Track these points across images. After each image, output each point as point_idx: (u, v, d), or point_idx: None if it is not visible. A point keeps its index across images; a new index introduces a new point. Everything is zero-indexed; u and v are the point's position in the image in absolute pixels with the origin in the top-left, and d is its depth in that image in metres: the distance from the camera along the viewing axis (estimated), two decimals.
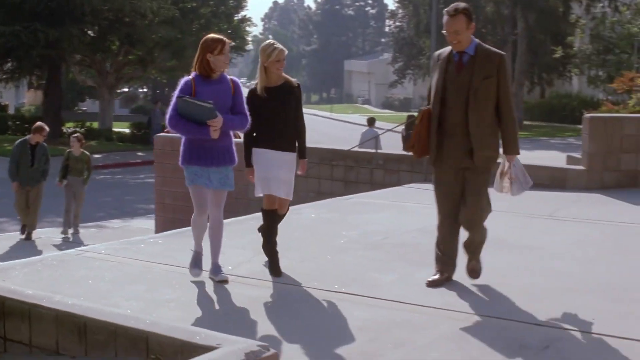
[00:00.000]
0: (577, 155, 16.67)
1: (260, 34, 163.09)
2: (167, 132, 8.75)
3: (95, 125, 46.04)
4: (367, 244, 9.73)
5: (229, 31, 46.39)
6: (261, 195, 8.40)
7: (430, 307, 7.07)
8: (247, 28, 51.51)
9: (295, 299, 7.47)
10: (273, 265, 8.28)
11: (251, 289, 7.78)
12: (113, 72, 46.07)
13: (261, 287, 7.82)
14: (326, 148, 18.10)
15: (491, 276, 7.92)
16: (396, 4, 78.44)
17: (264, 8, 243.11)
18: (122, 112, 66.86)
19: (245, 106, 7.94)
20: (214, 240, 8.09)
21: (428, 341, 6.23)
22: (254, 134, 8.27)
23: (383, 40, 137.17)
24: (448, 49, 7.62)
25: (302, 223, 10.98)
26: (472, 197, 7.57)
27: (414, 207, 12.31)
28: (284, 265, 8.30)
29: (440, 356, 5.91)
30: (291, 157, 8.33)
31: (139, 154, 39.99)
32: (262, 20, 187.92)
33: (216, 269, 8.04)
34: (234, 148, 7.99)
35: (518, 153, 7.62)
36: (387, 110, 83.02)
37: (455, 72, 7.48)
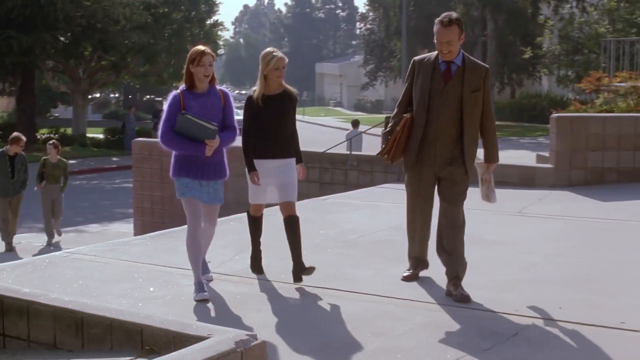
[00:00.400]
0: (546, 154, 17.11)
1: (231, 37, 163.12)
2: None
3: (69, 131, 46.15)
4: (344, 242, 10.11)
5: (201, 36, 46.73)
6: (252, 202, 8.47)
7: (406, 299, 7.46)
8: (220, 32, 51.73)
9: (277, 294, 7.83)
10: (256, 264, 8.60)
11: (235, 285, 8.15)
12: (86, 78, 46.20)
13: (244, 284, 8.19)
14: (302, 150, 18.44)
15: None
16: (366, 7, 78.79)
17: (234, 12, 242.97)
18: (94, 118, 66.93)
19: (235, 118, 7.89)
20: (203, 245, 8.07)
21: (405, 330, 6.61)
22: (251, 141, 8.22)
23: (354, 42, 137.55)
24: (431, 55, 7.62)
25: (281, 223, 11.31)
26: (453, 207, 7.62)
27: (388, 206, 12.70)
28: (264, 263, 8.65)
29: (417, 344, 6.29)
30: (289, 161, 8.27)
31: (114, 159, 40.22)
32: (233, 24, 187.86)
33: (204, 269, 8.18)
34: (226, 162, 7.98)
35: (498, 161, 7.74)
36: (359, 113, 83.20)
37: (443, 82, 7.46)
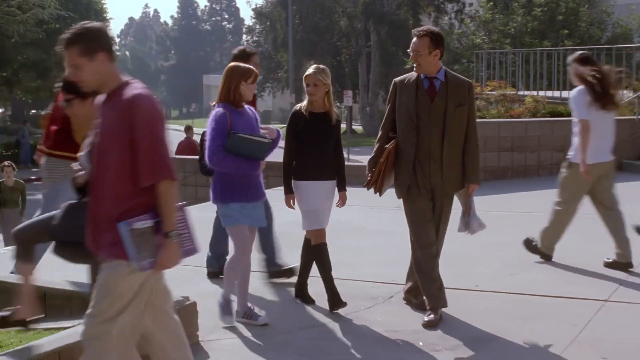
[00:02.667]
0: None
1: (117, 50, 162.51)
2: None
3: None
4: None
5: None
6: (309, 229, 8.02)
7: (312, 276, 9.02)
8: None
9: (195, 275, 9.33)
10: (304, 294, 8.24)
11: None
12: None
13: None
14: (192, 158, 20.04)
15: (354, 252, 10.05)
16: (253, 20, 79.90)
17: (119, 24, 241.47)
18: None
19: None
20: (245, 282, 7.64)
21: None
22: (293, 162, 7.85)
23: None
24: (413, 75, 7.39)
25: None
26: (443, 226, 7.54)
27: (284, 204, 14.26)
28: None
29: (315, 306, 7.92)
30: (332, 185, 7.98)
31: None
32: (119, 37, 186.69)
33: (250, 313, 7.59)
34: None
35: (479, 183, 7.54)
36: None
37: (429, 99, 7.26)
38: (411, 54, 7.31)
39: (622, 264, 9.04)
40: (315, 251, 7.95)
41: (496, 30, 38.13)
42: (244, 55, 8.96)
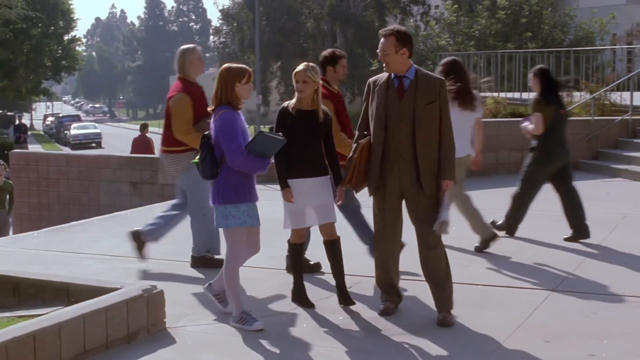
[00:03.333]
0: None
1: (84, 51, 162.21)
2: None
3: None
4: None
5: (60, 51, 47.76)
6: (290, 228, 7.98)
7: (265, 268, 9.39)
8: (77, 48, 52.73)
9: (162, 267, 9.68)
10: (301, 296, 8.06)
11: (130, 262, 9.97)
12: None
13: (136, 262, 9.98)
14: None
15: (317, 245, 10.37)
16: (220, 21, 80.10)
17: (86, 25, 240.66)
18: None
19: None
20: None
21: (266, 287, 8.62)
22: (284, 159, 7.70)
23: (208, 55, 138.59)
24: (385, 75, 7.41)
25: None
26: (426, 224, 7.33)
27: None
28: (152, 247, 10.48)
29: (276, 295, 8.29)
30: (322, 181, 7.81)
31: None
32: (85, 37, 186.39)
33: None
34: None
35: (454, 179, 7.39)
36: None
37: (398, 98, 7.25)
38: (379, 54, 7.32)
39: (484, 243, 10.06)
40: (291, 250, 8.08)
41: (461, 33, 38.54)
42: (333, 58, 9.26)
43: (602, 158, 17.49)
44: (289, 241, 8.11)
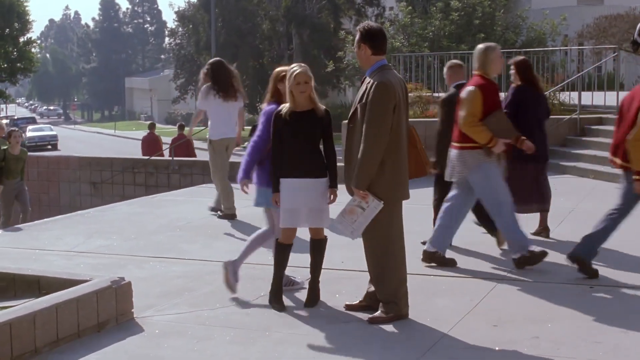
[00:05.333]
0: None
1: (38, 53, 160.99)
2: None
3: None
4: (174, 227, 12.40)
5: (15, 53, 47.65)
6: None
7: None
8: (33, 49, 52.60)
9: (127, 262, 10.01)
10: (278, 299, 8.03)
11: (93, 258, 10.30)
12: None
13: (101, 258, 10.32)
14: (129, 157, 20.68)
15: None
16: (176, 22, 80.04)
17: (39, 26, 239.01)
18: None
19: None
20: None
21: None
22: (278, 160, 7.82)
23: (163, 56, 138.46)
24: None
25: (119, 216, 13.52)
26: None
27: (208, 200, 14.93)
28: (110, 244, 10.82)
29: (238, 287, 8.64)
30: (318, 183, 7.79)
31: None
32: (39, 38, 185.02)
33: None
34: None
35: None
36: (170, 126, 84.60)
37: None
38: None
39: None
40: (278, 248, 8.02)
41: (415, 34, 38.86)
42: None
43: (551, 156, 17.89)
44: (277, 240, 8.04)
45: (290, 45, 57.53)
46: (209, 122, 13.31)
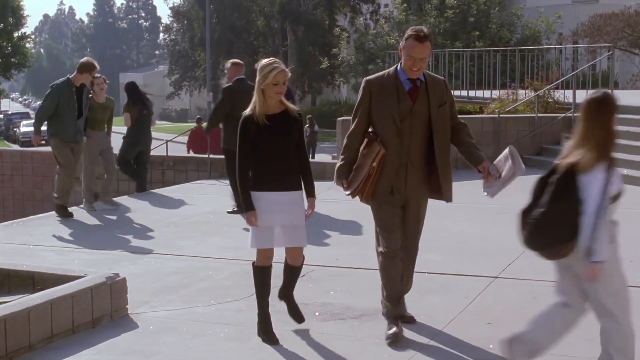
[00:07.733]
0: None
1: (32, 48, 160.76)
2: None
3: None
4: (169, 223, 12.39)
5: (10, 49, 47.57)
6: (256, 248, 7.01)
7: (222, 258, 9.78)
8: (27, 45, 52.50)
9: (122, 259, 10.02)
10: (267, 330, 7.04)
11: (90, 254, 10.31)
12: None
13: (96, 254, 10.32)
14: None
15: None
16: (170, 18, 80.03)
17: (34, 21, 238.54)
18: None
19: None
20: None
21: (223, 276, 8.98)
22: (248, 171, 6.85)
23: (157, 52, 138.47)
24: (388, 74, 6.91)
25: (115, 213, 13.49)
26: (416, 225, 7.13)
27: (202, 197, 15.01)
28: (105, 240, 10.82)
29: (232, 284, 8.66)
30: (295, 196, 6.92)
31: None
32: (33, 33, 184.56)
33: None
34: None
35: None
36: (164, 122, 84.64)
37: (412, 101, 6.73)
38: (413, 60, 6.62)
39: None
40: (257, 275, 7.03)
41: None
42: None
43: (546, 154, 17.99)
44: (253, 264, 7.06)
45: (285, 42, 57.58)
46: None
